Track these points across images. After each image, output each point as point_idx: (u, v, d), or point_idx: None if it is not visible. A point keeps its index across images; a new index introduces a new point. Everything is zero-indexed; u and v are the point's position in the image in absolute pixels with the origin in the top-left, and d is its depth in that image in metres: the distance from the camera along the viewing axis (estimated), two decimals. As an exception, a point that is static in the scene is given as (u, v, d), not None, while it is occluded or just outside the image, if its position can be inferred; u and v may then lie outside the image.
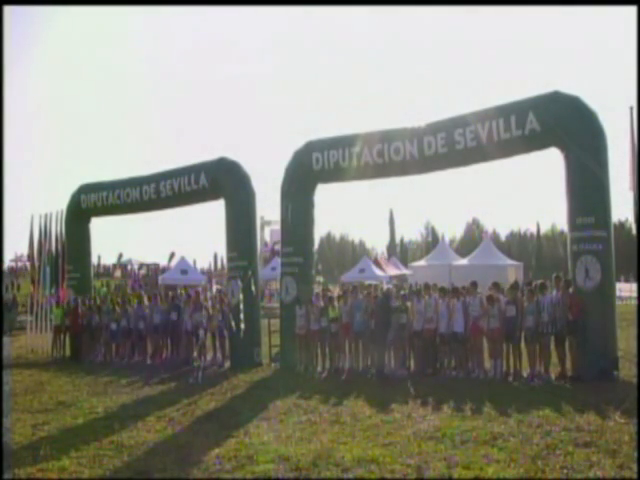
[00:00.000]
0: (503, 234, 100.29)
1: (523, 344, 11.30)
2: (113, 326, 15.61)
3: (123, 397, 10.55)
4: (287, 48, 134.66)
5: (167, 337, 15.15)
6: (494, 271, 31.17)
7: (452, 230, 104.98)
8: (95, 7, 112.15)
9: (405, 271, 44.53)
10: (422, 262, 42.85)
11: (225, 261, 17.44)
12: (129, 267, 53.35)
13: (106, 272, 50.81)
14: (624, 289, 29.90)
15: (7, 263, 41.33)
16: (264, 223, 39.13)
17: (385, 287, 14.07)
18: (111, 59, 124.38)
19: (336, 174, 14.02)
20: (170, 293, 17.71)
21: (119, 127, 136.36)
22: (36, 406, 9.87)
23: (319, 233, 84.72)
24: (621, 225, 71.51)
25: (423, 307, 12.04)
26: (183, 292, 16.31)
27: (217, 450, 6.87)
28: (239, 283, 13.91)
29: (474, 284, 11.98)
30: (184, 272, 36.50)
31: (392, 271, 42.74)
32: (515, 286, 12.23)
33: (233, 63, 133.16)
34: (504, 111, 11.76)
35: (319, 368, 12.98)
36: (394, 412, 8.55)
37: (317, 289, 16.77)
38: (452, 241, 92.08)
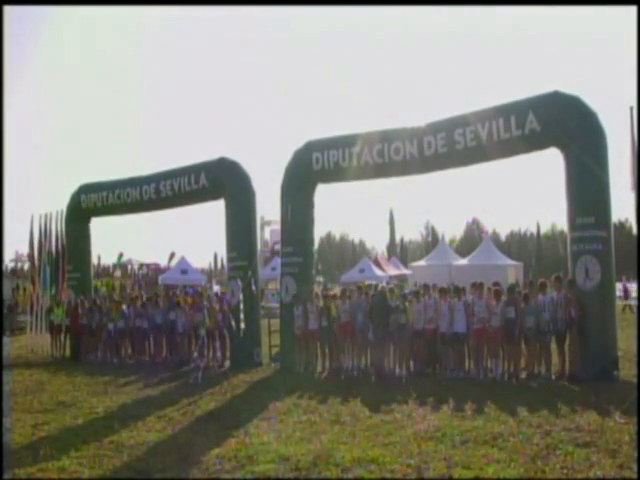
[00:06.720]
0: (503, 234, 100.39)
1: (523, 344, 11.30)
2: (110, 326, 15.60)
3: (123, 397, 10.56)
4: (287, 48, 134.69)
5: (166, 337, 15.13)
6: (494, 271, 31.15)
7: (452, 230, 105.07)
8: (95, 7, 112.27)
9: (405, 271, 44.55)
10: (422, 262, 42.81)
11: (225, 261, 17.42)
12: (129, 267, 53.24)
13: (106, 272, 50.69)
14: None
15: (8, 263, 41.13)
16: (264, 223, 39.10)
17: (380, 286, 14.00)
18: (111, 59, 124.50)
19: (336, 174, 14.01)
20: (171, 292, 17.70)
21: (119, 127, 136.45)
22: (36, 406, 9.87)
23: (319, 233, 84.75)
24: (621, 225, 71.58)
25: (422, 307, 12.04)
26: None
27: (217, 450, 6.87)
28: (239, 283, 13.91)
29: (481, 284, 11.83)
30: (184, 272, 36.46)
31: (392, 271, 42.80)
32: (512, 288, 12.20)
33: (233, 63, 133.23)
34: (504, 111, 11.75)
35: (319, 368, 12.97)
36: (394, 412, 8.55)
37: (317, 289, 16.75)
38: (452, 241, 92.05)
